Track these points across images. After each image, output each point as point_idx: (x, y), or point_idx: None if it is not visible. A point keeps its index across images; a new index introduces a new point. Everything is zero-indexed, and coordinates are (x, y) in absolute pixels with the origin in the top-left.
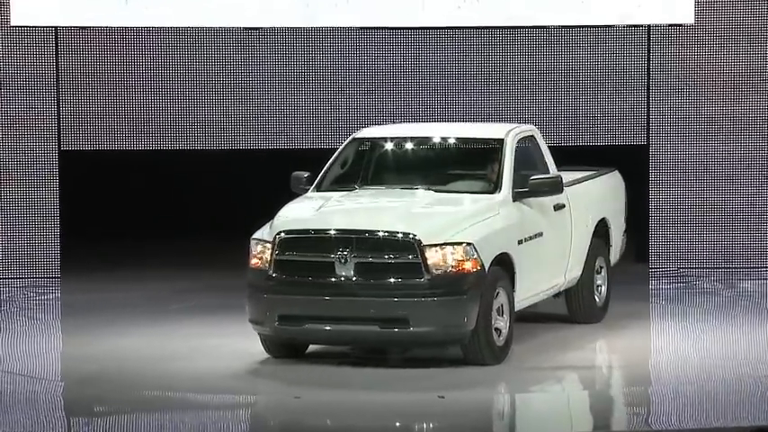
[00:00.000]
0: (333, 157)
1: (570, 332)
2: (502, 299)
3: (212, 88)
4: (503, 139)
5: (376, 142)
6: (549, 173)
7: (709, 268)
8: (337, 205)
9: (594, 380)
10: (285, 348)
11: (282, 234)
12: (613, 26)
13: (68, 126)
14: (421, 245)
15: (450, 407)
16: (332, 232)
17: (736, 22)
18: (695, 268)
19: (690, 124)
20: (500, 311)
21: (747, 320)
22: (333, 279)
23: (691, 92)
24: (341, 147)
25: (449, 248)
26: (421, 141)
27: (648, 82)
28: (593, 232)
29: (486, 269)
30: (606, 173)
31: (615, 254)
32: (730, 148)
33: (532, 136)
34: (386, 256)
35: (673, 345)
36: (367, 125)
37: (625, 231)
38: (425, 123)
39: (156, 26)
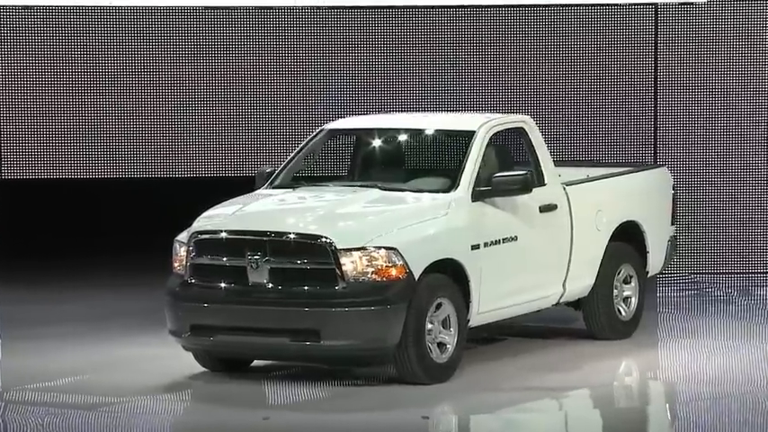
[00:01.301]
0: (295, 151)
1: (580, 349)
2: (447, 310)
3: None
4: (473, 132)
5: (344, 135)
6: (541, 170)
7: (724, 274)
8: (260, 205)
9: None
10: (221, 361)
11: (197, 236)
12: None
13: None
14: (335, 249)
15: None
16: (242, 234)
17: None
18: (709, 273)
19: (700, 123)
20: (446, 325)
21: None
22: (244, 286)
23: (700, 88)
24: (307, 139)
25: (368, 253)
26: (389, 134)
27: (656, 77)
28: (617, 237)
29: (417, 277)
30: (644, 170)
31: (655, 262)
32: (746, 149)
33: (522, 129)
34: (299, 262)
35: (683, 361)
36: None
37: (673, 237)
38: (401, 114)
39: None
